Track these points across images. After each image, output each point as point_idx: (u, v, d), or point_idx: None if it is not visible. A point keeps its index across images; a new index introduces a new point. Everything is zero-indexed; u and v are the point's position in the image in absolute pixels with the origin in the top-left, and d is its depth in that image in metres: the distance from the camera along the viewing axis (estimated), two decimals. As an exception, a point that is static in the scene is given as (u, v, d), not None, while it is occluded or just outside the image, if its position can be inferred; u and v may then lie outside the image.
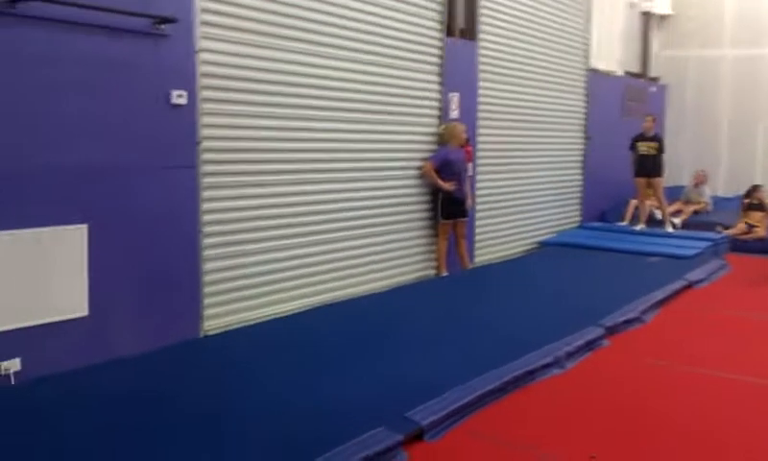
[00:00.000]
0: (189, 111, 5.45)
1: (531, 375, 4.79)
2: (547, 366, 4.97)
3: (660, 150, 10.72)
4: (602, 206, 12.11)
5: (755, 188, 11.50)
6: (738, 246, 10.71)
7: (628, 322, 6.21)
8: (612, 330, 5.95)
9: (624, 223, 11.38)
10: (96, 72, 4.87)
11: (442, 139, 8.16)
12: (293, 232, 6.51)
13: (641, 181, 10.82)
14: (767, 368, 5.23)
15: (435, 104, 8.27)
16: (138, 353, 4.95)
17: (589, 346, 5.55)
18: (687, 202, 12.04)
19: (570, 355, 5.24)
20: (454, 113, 8.43)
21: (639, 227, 10.97)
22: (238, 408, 4.08)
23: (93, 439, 3.67)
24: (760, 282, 8.37)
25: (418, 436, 3.85)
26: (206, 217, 5.64)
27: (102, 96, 4.91)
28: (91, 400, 4.17)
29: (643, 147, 10.74)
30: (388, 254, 7.71)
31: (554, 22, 10.58)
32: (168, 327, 5.33)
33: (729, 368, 5.20)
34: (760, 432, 4.11)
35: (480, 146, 9.02)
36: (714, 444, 3.95)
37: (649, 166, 10.69)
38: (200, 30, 5.53)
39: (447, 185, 7.92)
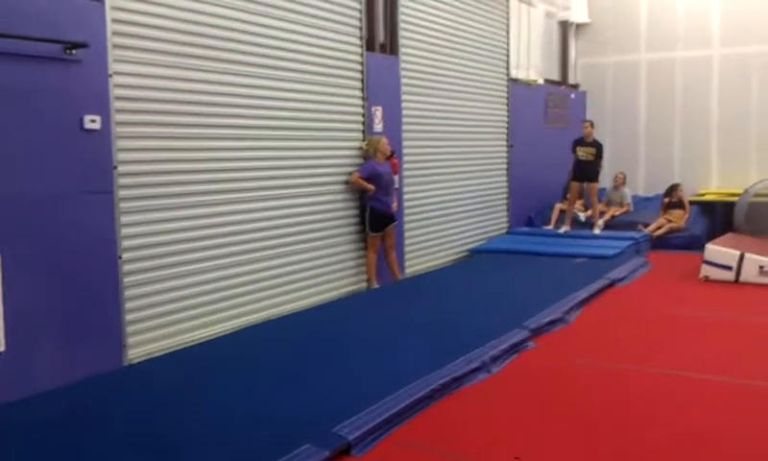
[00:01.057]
0: (104, 136, 5.34)
1: (458, 381, 4.85)
2: (474, 371, 5.05)
3: (599, 155, 11.04)
4: (528, 211, 12.37)
5: (674, 187, 11.94)
6: (659, 243, 11.09)
7: (552, 322, 6.36)
8: (536, 332, 6.09)
9: (550, 227, 11.66)
10: (6, 100, 4.74)
11: (366, 153, 8.21)
12: (218, 253, 6.43)
13: (576, 184, 11.12)
14: (688, 360, 5.43)
15: (359, 118, 8.32)
16: (60, 386, 4.82)
17: (515, 348, 5.66)
18: (609, 203, 12.40)
19: (496, 359, 5.33)
20: (378, 127, 8.50)
21: (563, 229, 11.25)
22: (158, 432, 4.03)
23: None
24: (679, 278, 8.67)
25: (345, 451, 3.86)
26: (126, 243, 5.53)
27: (10, 124, 4.77)
28: (12, 432, 4.06)
29: (581, 152, 11.06)
30: (318, 270, 7.70)
31: (474, 34, 10.78)
32: (90, 357, 5.19)
33: (649, 362, 5.39)
34: (681, 424, 4.26)
35: (406, 158, 9.11)
36: (637, 438, 4.07)
37: (586, 171, 11.01)
38: (112, 53, 5.44)
39: (371, 186, 7.97)
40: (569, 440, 4.06)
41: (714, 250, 8.49)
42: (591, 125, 11.28)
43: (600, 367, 5.33)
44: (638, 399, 4.67)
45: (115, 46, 5.48)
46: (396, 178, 8.61)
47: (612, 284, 8.15)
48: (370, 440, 3.96)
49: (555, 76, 13.97)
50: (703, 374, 5.11)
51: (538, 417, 4.39)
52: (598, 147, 11.11)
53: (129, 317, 5.56)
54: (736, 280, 8.27)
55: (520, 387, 4.96)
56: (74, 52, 5.12)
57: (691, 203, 11.92)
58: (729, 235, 9.67)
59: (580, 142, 11.14)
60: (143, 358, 5.60)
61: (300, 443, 3.76)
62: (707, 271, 8.47)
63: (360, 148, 8.24)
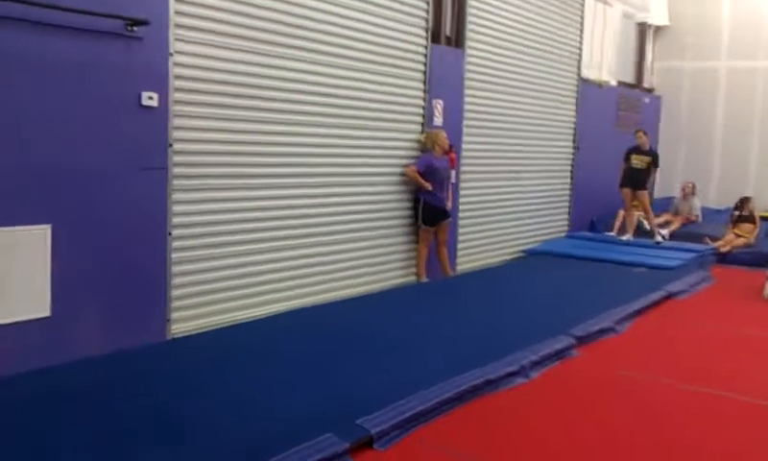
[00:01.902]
0: (161, 113, 5.44)
1: (492, 384, 4.76)
2: (510, 375, 4.94)
3: (653, 164, 10.74)
4: (591, 215, 12.09)
5: (745, 200, 11.46)
6: (726, 258, 10.67)
7: (600, 331, 6.18)
8: (583, 340, 5.92)
9: (612, 233, 11.36)
10: (65, 73, 4.85)
11: (424, 146, 8.14)
12: (267, 236, 6.48)
13: (627, 191, 10.84)
14: (738, 382, 5.19)
15: (419, 110, 8.25)
16: (101, 355, 4.95)
17: (558, 355, 5.52)
18: (677, 213, 11.99)
19: (535, 364, 5.21)
20: (438, 120, 8.42)
21: (626, 237, 10.95)
22: (191, 412, 4.08)
23: (49, 437, 3.67)
24: (742, 295, 8.32)
25: (368, 444, 3.83)
26: (176, 220, 5.62)
27: (70, 97, 4.89)
28: (49, 400, 4.16)
29: (636, 160, 10.76)
30: (367, 260, 7.69)
31: (545, 30, 10.57)
32: (133, 329, 5.31)
33: (699, 381, 5.17)
34: (729, 448, 4.07)
35: (465, 153, 9.00)
36: (680, 458, 3.91)
37: (636, 178, 10.71)
38: (174, 32, 5.52)
39: (429, 185, 7.90)
40: (600, 455, 3.93)
41: (781, 269, 8.12)
42: (645, 133, 10.95)
43: (644, 381, 5.15)
44: (681, 418, 4.49)
45: (177, 25, 5.56)
46: (453, 173, 8.51)
47: (669, 297, 7.88)
48: (393, 435, 3.93)
49: (629, 78, 13.59)
50: (754, 397, 4.87)
51: (570, 428, 4.27)
52: (654, 156, 10.82)
53: (174, 293, 5.66)
54: (803, 302, 7.90)
55: (557, 396, 4.83)
56: (135, 29, 5.22)
57: (764, 218, 11.40)
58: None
59: (635, 150, 10.82)
60: (185, 334, 5.69)
61: (323, 432, 3.75)
62: (772, 290, 8.11)
63: (418, 141, 8.17)
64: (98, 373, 4.65)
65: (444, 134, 8.17)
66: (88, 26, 4.94)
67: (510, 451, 3.92)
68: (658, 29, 14.17)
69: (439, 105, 8.43)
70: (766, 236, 11.13)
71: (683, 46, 14.06)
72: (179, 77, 5.60)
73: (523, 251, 10.37)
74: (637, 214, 11.21)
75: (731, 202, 12.18)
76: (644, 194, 10.77)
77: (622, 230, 11.22)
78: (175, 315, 5.66)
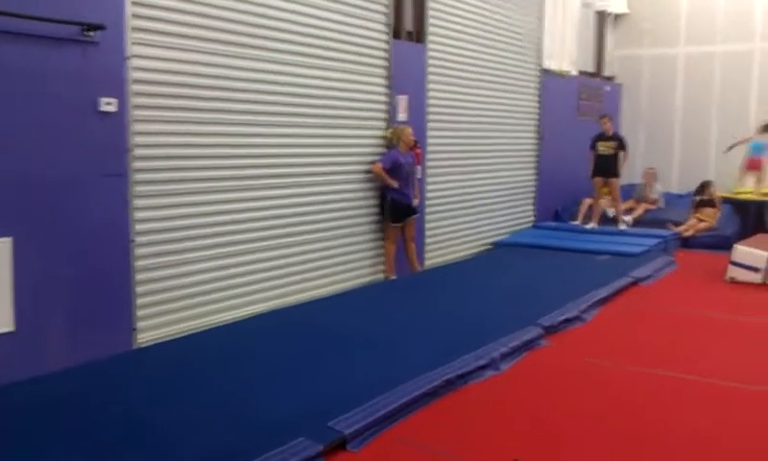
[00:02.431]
0: (119, 119, 5.36)
1: (463, 378, 4.78)
2: (481, 368, 4.97)
3: (620, 148, 10.83)
4: (556, 205, 12.19)
5: (705, 184, 11.65)
6: (689, 243, 10.85)
7: (567, 321, 6.25)
8: (551, 330, 5.98)
9: (577, 222, 11.47)
10: (21, 81, 4.75)
11: (389, 143, 8.14)
12: (231, 240, 6.42)
13: (598, 180, 10.94)
14: (704, 364, 5.28)
15: (382, 107, 8.25)
16: (68, 367, 4.87)
17: (527, 346, 5.56)
18: (639, 199, 12.14)
19: (505, 356, 5.25)
20: (402, 116, 8.42)
21: (591, 225, 11.07)
22: (161, 420, 4.04)
23: (19, 453, 3.62)
24: (705, 278, 8.47)
25: (341, 445, 3.82)
26: (138, 226, 5.54)
27: (26, 105, 4.80)
28: (17, 415, 4.10)
29: (602, 147, 10.86)
30: (334, 259, 7.67)
31: (505, 23, 10.62)
32: (100, 339, 5.23)
33: (664, 365, 5.25)
34: (695, 429, 4.14)
35: (430, 148, 9.02)
36: (647, 442, 3.97)
37: (605, 166, 10.81)
38: (131, 36, 5.44)
39: (395, 183, 7.90)
40: (572, 442, 3.98)
41: (742, 250, 8.27)
42: (609, 119, 11.06)
43: (612, 368, 5.22)
44: (648, 403, 4.54)
45: (134, 29, 5.48)
46: (419, 168, 8.52)
47: (635, 283, 7.99)
48: (366, 435, 3.92)
49: (590, 67, 13.71)
50: (719, 379, 4.96)
51: (542, 417, 4.31)
52: (619, 140, 10.90)
53: (139, 301, 5.59)
54: (764, 283, 8.04)
55: (527, 386, 4.87)
56: (91, 34, 5.13)
57: (724, 201, 11.60)
58: (758, 236, 9.39)
59: (600, 137, 10.92)
60: (152, 342, 5.62)
61: (296, 435, 3.74)
62: (733, 272, 8.25)
63: (383, 137, 8.17)
64: (65, 386, 4.58)
65: (409, 130, 8.17)
66: (43, 32, 4.85)
67: (483, 444, 3.94)
68: (617, 17, 14.31)
69: (403, 100, 8.43)
70: (727, 220, 11.32)
71: (641, 33, 14.21)
72: (137, 81, 5.52)
73: (491, 243, 10.42)
74: (603, 203, 11.35)
75: (692, 186, 12.37)
76: (615, 181, 10.88)
77: (587, 219, 11.34)
78: (141, 324, 5.59)
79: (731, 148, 12.00)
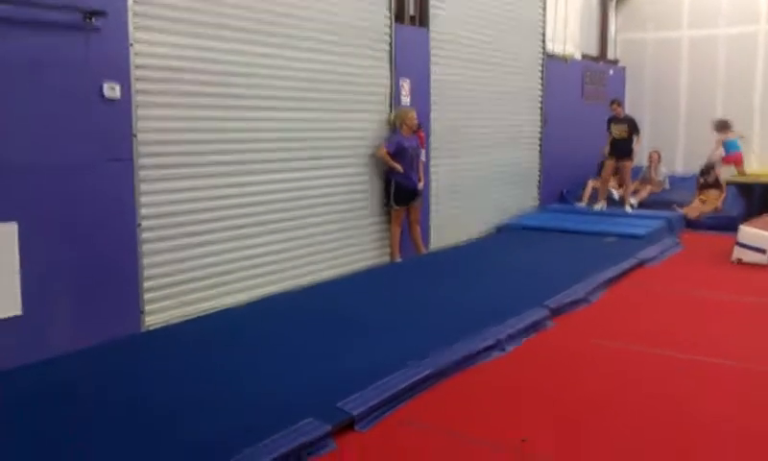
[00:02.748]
0: (123, 104, 5.36)
1: (470, 359, 4.79)
2: (487, 349, 4.98)
3: (633, 131, 10.83)
4: (561, 187, 12.18)
5: (710, 166, 11.61)
6: (694, 224, 10.84)
7: (573, 302, 6.25)
8: (557, 312, 5.99)
9: (582, 204, 11.48)
10: (25, 69, 4.76)
11: (393, 126, 8.13)
12: (237, 224, 6.43)
13: (610, 162, 10.94)
14: (709, 345, 5.29)
15: (385, 90, 8.23)
16: (76, 350, 4.90)
17: (533, 327, 5.58)
18: (644, 181, 12.13)
19: (512, 338, 5.26)
20: (405, 99, 8.41)
21: (599, 206, 11.07)
22: (171, 401, 4.07)
23: (22, 436, 3.63)
24: (710, 260, 8.46)
25: (350, 426, 3.84)
26: (145, 210, 5.56)
27: (31, 92, 4.81)
28: (26, 399, 4.12)
29: (615, 130, 10.87)
30: (340, 242, 7.67)
31: (508, 6, 10.55)
32: (108, 323, 5.25)
33: (672, 346, 5.25)
34: (701, 409, 4.15)
35: (434, 131, 9.00)
36: (654, 422, 3.98)
37: (619, 148, 10.84)
38: (133, 22, 5.42)
39: (400, 167, 7.90)
40: (578, 423, 3.99)
41: (748, 232, 8.25)
42: (619, 103, 11.08)
43: (618, 349, 5.23)
44: (654, 383, 4.55)
45: (136, 15, 5.46)
46: (423, 152, 8.51)
47: (640, 264, 7.99)
48: (374, 416, 3.94)
49: (593, 51, 13.65)
50: (724, 359, 4.97)
51: (548, 398, 4.32)
52: (630, 122, 10.88)
53: (147, 284, 5.61)
54: (771, 264, 8.04)
55: (534, 367, 4.88)
56: (93, 20, 5.13)
57: (729, 183, 11.57)
58: (764, 217, 9.37)
59: (613, 120, 10.94)
60: (160, 325, 5.65)
61: (304, 416, 3.75)
62: (739, 253, 8.23)
63: (387, 121, 8.16)
64: (73, 369, 4.61)
65: (413, 114, 8.15)
66: (46, 19, 4.85)
67: (490, 425, 3.95)
68: (619, 1, 14.23)
69: (406, 84, 8.41)
70: (733, 201, 11.29)
71: (644, 17, 14.14)
72: (140, 67, 5.52)
73: (496, 226, 10.42)
74: (610, 185, 11.37)
75: (697, 169, 12.34)
76: (628, 164, 10.88)
77: (592, 200, 11.35)
78: (148, 307, 5.61)
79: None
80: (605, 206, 11.14)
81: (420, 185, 8.30)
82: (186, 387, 4.29)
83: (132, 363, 4.75)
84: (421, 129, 8.45)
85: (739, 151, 12.08)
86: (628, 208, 10.97)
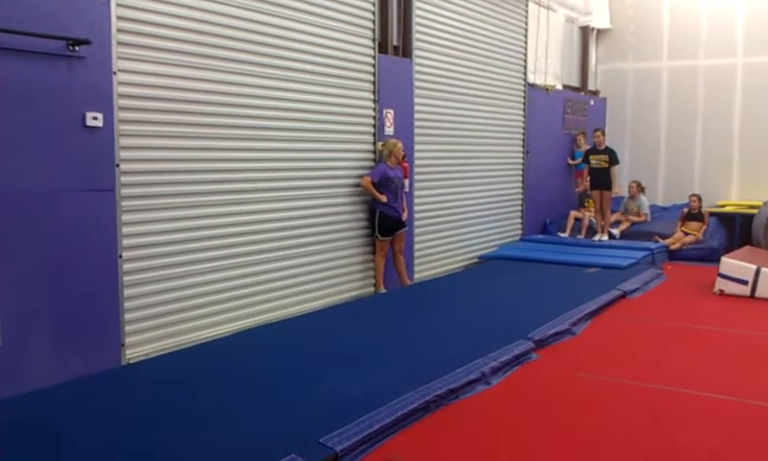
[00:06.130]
0: (106, 133, 5.32)
1: (454, 393, 4.75)
2: (472, 383, 4.94)
3: (613, 162, 10.91)
4: (543, 218, 12.23)
5: (694, 198, 11.67)
6: (676, 255, 10.90)
7: (557, 334, 6.24)
8: (541, 344, 5.96)
9: (565, 234, 11.52)
10: (6, 96, 4.72)
11: (380, 156, 8.14)
12: (220, 255, 6.38)
13: (596, 193, 11.01)
14: (693, 377, 5.28)
15: (370, 121, 8.24)
16: (56, 384, 4.80)
17: (517, 360, 5.54)
18: (625, 212, 12.20)
19: (496, 371, 5.22)
20: (389, 130, 8.42)
21: (597, 237, 11.13)
22: (149, 437, 3.98)
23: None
24: (693, 291, 8.49)
25: (333, 461, 3.78)
26: (126, 241, 5.50)
27: (11, 121, 4.76)
28: (4, 435, 4.02)
29: (594, 160, 10.97)
30: (324, 273, 7.63)
31: (491, 38, 10.66)
32: (87, 356, 5.17)
33: (654, 379, 5.24)
34: (687, 443, 4.12)
35: (417, 162, 9.02)
36: (640, 457, 3.94)
37: (598, 179, 10.93)
38: (116, 51, 5.41)
39: (384, 198, 7.90)
40: (563, 457, 3.95)
41: (730, 263, 8.30)
42: (603, 133, 11.22)
43: (603, 381, 5.21)
44: (639, 417, 4.53)
45: (120, 43, 5.45)
46: (407, 182, 8.52)
47: (623, 296, 8.00)
48: (358, 452, 3.88)
49: (574, 82, 13.80)
50: (709, 392, 4.96)
51: (533, 432, 4.28)
52: (610, 153, 10.97)
53: (128, 316, 5.53)
54: (752, 295, 8.07)
55: (519, 401, 4.84)
56: (77, 49, 5.10)
57: (710, 214, 11.67)
58: (746, 249, 9.45)
59: (593, 151, 11.03)
60: (141, 358, 5.56)
61: (288, 451, 3.69)
62: (721, 285, 8.27)
63: (375, 151, 8.17)
64: (50, 405, 4.50)
65: (400, 145, 8.17)
66: (28, 47, 4.81)
67: (475, 459, 3.90)
68: (600, 32, 14.42)
69: (390, 114, 8.44)
70: (714, 232, 11.38)
71: (625, 48, 14.33)
72: (123, 96, 5.49)
73: (479, 256, 10.42)
74: (588, 215, 11.45)
75: (677, 199, 12.46)
76: (607, 194, 10.98)
77: (574, 231, 11.41)
78: (129, 339, 5.53)
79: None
80: (605, 237, 11.16)
81: (405, 216, 8.29)
82: (162, 424, 4.19)
83: (111, 400, 4.63)
84: (405, 159, 8.46)
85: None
86: (604, 237, 11.04)
